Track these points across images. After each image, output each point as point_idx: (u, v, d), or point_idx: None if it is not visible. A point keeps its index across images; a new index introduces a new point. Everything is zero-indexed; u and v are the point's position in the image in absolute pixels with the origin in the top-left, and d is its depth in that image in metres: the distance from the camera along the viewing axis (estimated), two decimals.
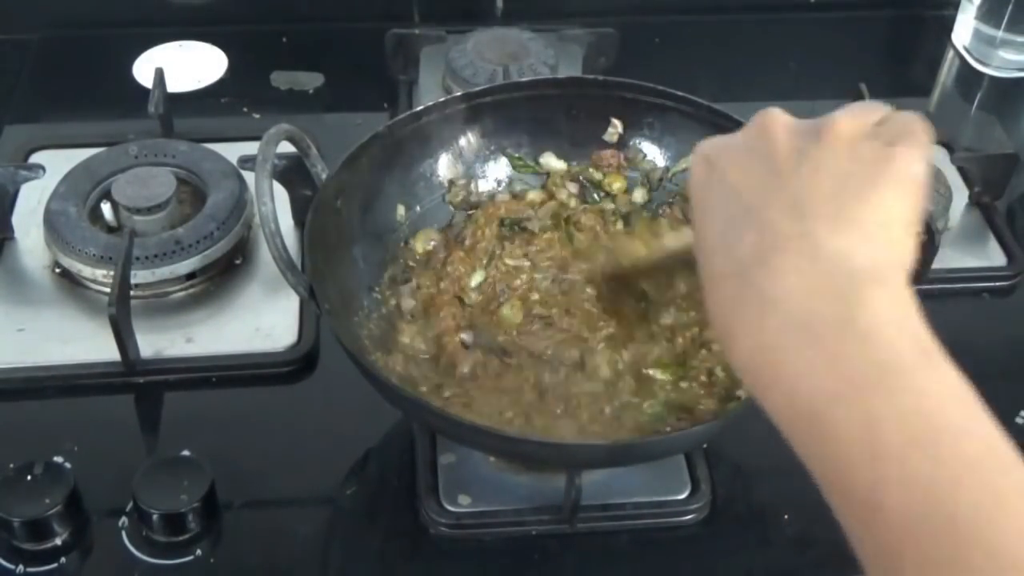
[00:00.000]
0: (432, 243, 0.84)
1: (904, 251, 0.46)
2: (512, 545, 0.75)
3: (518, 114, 0.87)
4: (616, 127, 0.88)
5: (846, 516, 0.43)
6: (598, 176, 0.89)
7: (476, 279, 0.82)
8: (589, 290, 0.81)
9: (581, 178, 0.88)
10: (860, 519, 0.42)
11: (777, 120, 0.50)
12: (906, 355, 0.43)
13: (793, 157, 0.48)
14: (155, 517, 0.71)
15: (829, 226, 0.45)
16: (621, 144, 0.88)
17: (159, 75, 1.03)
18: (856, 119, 0.49)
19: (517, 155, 0.88)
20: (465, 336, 0.78)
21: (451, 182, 0.87)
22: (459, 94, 0.87)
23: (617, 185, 0.88)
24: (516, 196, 0.88)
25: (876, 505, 0.41)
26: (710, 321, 0.50)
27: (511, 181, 0.88)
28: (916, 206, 0.47)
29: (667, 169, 0.87)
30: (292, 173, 0.88)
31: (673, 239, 0.74)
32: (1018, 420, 0.82)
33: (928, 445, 0.41)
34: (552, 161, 0.89)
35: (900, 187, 0.46)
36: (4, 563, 0.71)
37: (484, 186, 0.88)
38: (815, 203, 0.46)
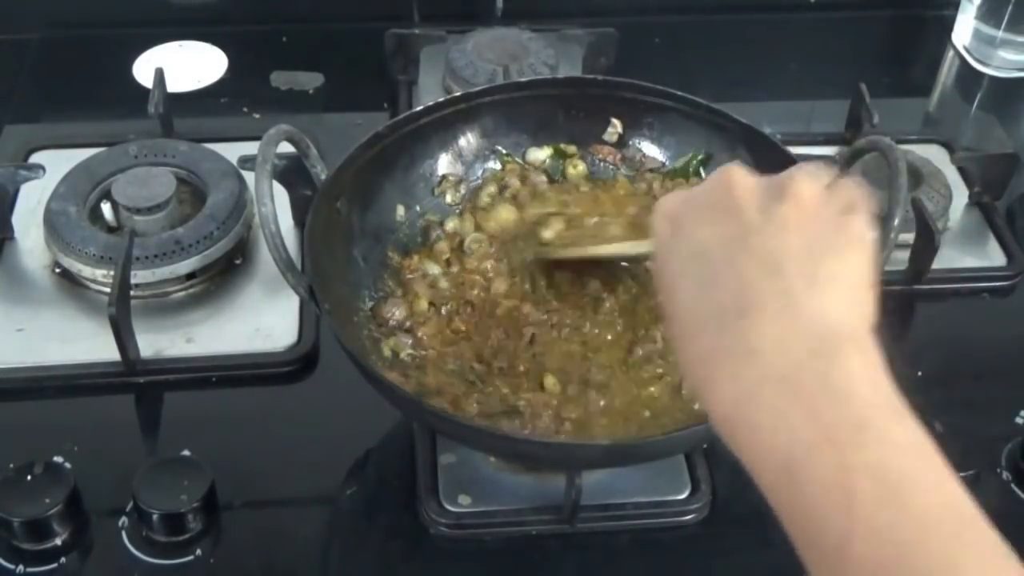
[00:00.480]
0: (396, 311, 0.80)
1: (870, 309, 0.49)
2: (512, 545, 0.75)
3: (518, 114, 0.87)
4: (616, 127, 0.88)
5: (816, 566, 0.45)
6: (570, 151, 0.89)
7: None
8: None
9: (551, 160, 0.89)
10: (830, 568, 0.44)
11: (738, 177, 0.52)
12: (879, 412, 0.45)
13: (759, 215, 0.50)
14: (155, 517, 0.71)
15: (805, 284, 0.48)
16: (621, 143, 0.88)
17: (159, 75, 1.03)
18: (812, 182, 0.51)
19: (505, 151, 0.88)
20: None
21: (444, 177, 0.87)
22: (459, 94, 0.87)
23: (573, 171, 0.88)
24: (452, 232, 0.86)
25: (846, 554, 0.42)
26: (684, 375, 0.52)
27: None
28: (872, 268, 0.50)
29: (663, 165, 0.87)
30: (292, 173, 0.88)
31: (612, 248, 0.77)
32: (1018, 420, 0.82)
33: (899, 497, 0.42)
34: (537, 153, 0.89)
35: (862, 250, 0.50)
36: (4, 563, 0.71)
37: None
38: (789, 261, 0.48)
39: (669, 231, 0.53)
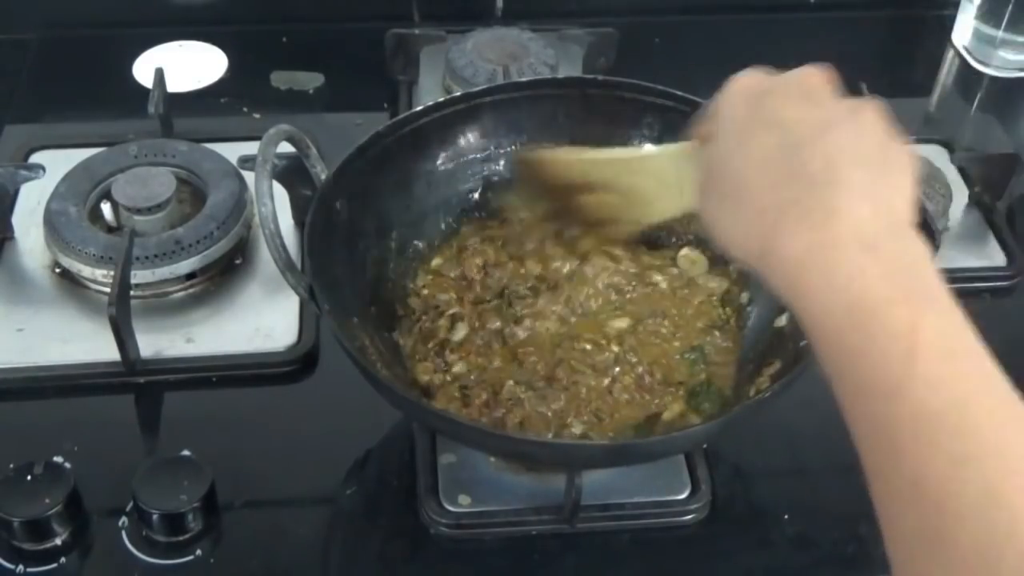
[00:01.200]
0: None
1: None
2: (512, 545, 0.75)
3: (518, 114, 0.87)
4: None
5: (862, 410, 0.48)
6: None
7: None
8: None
9: None
10: (879, 412, 0.47)
11: (820, 77, 0.58)
12: (946, 294, 0.50)
13: (844, 112, 0.55)
14: (155, 517, 0.71)
15: (886, 185, 0.53)
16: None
17: (159, 75, 1.03)
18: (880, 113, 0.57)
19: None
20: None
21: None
22: (459, 94, 0.87)
23: None
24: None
25: (899, 399, 0.46)
26: (731, 225, 0.56)
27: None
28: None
29: None
30: (292, 173, 0.88)
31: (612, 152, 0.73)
32: None
33: (960, 357, 0.48)
34: None
35: (914, 179, 0.55)
36: (4, 563, 0.71)
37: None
38: (871, 162, 0.53)
39: (745, 103, 0.57)
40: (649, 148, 0.79)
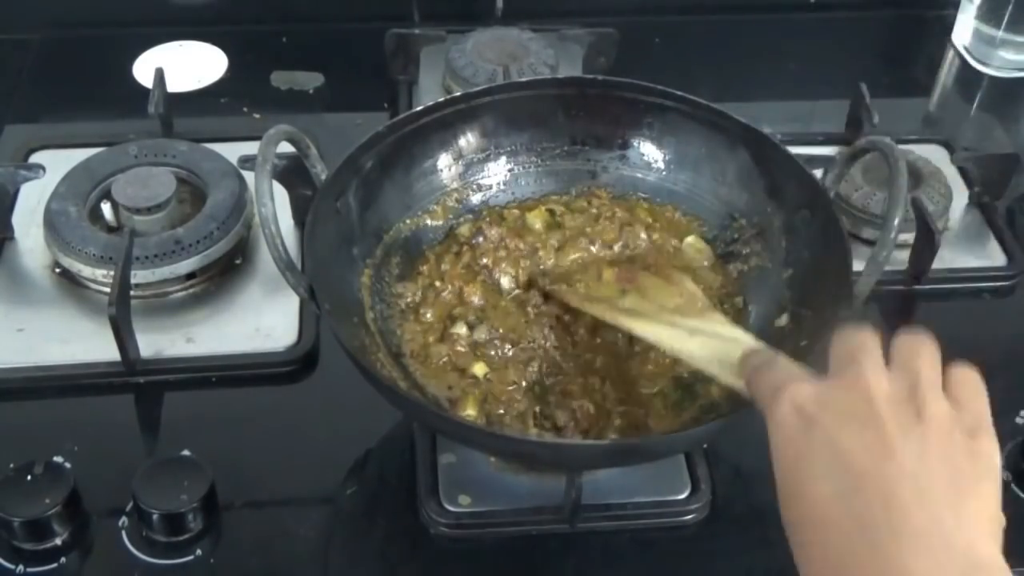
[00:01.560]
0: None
1: (1001, 536, 0.50)
2: (512, 545, 0.75)
3: (518, 114, 0.87)
4: None
5: None
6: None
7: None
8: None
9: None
10: None
11: (875, 383, 0.53)
12: None
13: (900, 432, 0.51)
14: (155, 517, 0.71)
15: (954, 518, 0.49)
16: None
17: (159, 75, 1.03)
18: (942, 401, 0.53)
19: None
20: None
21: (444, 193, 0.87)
22: (459, 94, 0.87)
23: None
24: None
25: None
26: (802, 566, 0.52)
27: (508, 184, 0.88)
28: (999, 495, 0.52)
29: None
30: (292, 173, 0.88)
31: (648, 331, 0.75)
32: (1018, 420, 0.82)
33: None
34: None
35: (994, 479, 0.52)
36: (4, 563, 0.71)
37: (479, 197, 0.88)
38: (935, 489, 0.49)
39: (799, 424, 0.53)
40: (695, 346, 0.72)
